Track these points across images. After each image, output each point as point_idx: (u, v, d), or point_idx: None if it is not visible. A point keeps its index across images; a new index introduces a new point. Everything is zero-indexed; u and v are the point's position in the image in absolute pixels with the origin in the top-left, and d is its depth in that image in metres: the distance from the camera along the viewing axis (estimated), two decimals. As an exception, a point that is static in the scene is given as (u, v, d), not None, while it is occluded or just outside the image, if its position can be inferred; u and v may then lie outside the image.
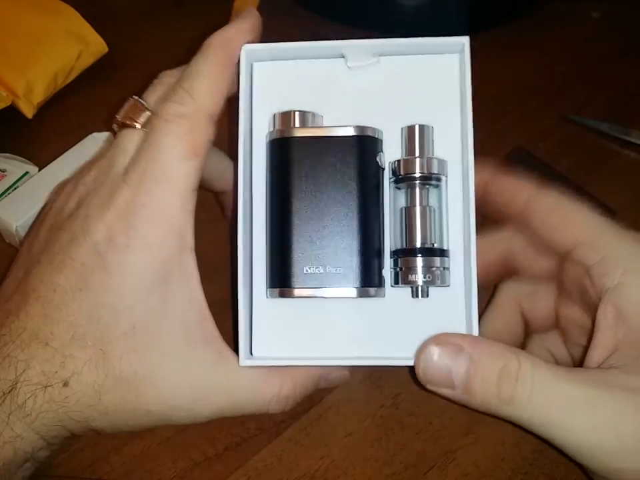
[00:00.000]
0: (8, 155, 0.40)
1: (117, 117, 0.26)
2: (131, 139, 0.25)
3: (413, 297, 0.26)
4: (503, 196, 0.28)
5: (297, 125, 0.26)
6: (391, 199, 0.27)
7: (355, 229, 0.25)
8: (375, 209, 0.26)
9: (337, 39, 0.26)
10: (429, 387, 0.23)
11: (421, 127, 0.26)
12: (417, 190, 0.26)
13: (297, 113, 0.26)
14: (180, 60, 0.51)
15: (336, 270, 0.25)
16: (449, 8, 0.56)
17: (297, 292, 0.25)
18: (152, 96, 0.26)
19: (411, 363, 0.23)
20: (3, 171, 0.38)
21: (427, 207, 0.26)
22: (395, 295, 0.26)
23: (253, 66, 0.27)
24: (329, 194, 0.25)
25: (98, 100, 0.47)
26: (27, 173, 0.38)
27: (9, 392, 0.22)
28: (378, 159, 0.26)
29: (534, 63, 0.54)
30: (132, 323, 0.23)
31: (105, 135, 0.39)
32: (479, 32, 0.56)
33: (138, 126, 0.25)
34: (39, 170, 0.38)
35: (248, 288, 0.26)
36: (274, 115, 0.26)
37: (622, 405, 0.21)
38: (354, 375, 0.30)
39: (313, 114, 0.26)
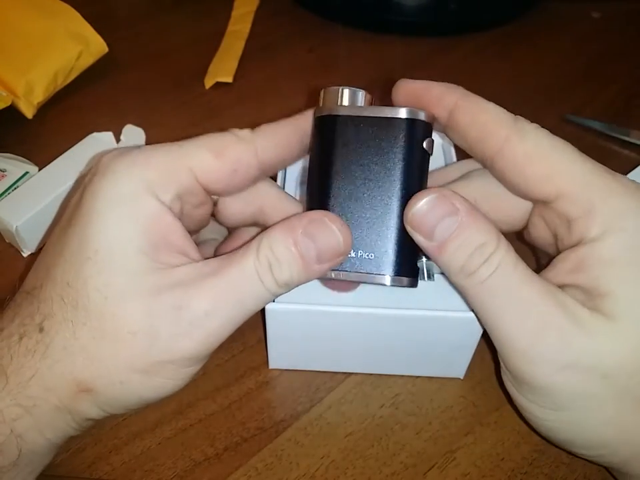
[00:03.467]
0: (8, 154, 0.40)
1: None
2: None
3: (420, 279, 0.27)
4: (472, 128, 0.24)
5: (346, 102, 0.25)
6: None
7: (395, 215, 0.24)
8: None
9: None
10: (408, 229, 0.23)
11: None
12: None
13: (345, 90, 0.25)
14: (180, 60, 0.51)
15: (370, 255, 0.24)
16: (449, 8, 0.56)
17: (327, 274, 0.24)
18: None
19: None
20: (3, 170, 0.38)
21: None
22: None
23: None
24: (371, 177, 0.24)
25: (98, 100, 0.48)
26: (27, 172, 0.38)
27: None
28: (425, 145, 0.24)
29: (534, 62, 0.54)
30: (95, 247, 0.22)
31: (105, 134, 0.39)
32: (478, 32, 0.56)
33: None
34: (39, 170, 0.38)
35: None
36: (322, 90, 0.25)
37: (549, 321, 0.22)
38: (354, 375, 0.30)
39: (363, 92, 0.25)
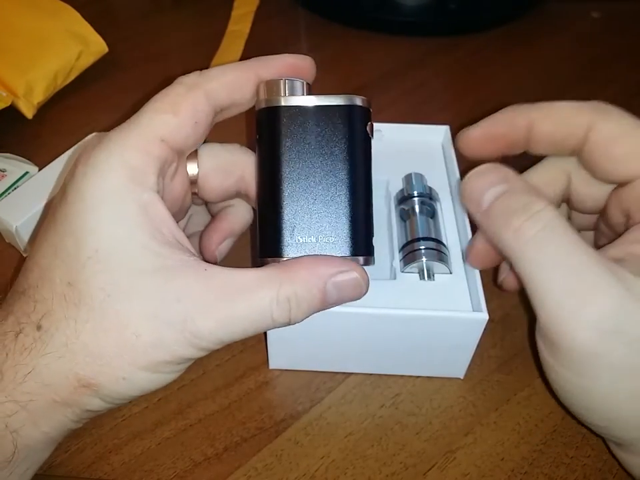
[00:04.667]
0: (8, 155, 0.40)
1: None
2: None
3: (420, 279, 0.29)
4: (557, 131, 0.26)
5: (286, 94, 0.25)
6: (398, 216, 0.32)
7: (346, 198, 0.25)
8: (364, 177, 0.25)
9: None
10: (462, 200, 0.25)
11: (416, 174, 0.33)
12: (417, 206, 0.32)
13: (285, 82, 0.26)
14: (180, 60, 0.51)
15: (328, 239, 0.25)
16: (449, 8, 0.56)
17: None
18: None
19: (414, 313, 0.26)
20: (3, 170, 0.38)
21: (426, 216, 0.31)
22: (405, 279, 0.29)
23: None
24: (319, 163, 0.25)
25: (98, 100, 0.48)
26: (27, 172, 0.38)
27: None
28: (367, 129, 0.25)
29: (534, 63, 0.54)
30: (94, 247, 0.22)
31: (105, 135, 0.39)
32: (479, 32, 0.56)
33: None
34: (39, 170, 0.38)
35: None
36: (260, 84, 0.26)
37: (602, 286, 0.21)
38: (353, 375, 0.30)
39: (302, 82, 0.26)
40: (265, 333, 0.29)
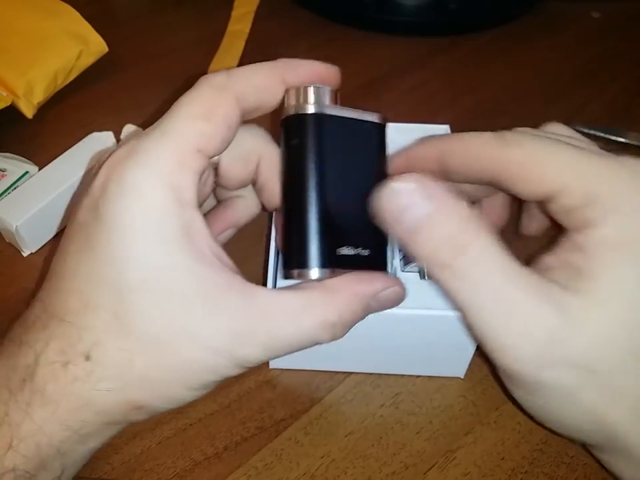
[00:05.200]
0: (8, 154, 0.40)
1: None
2: None
3: (420, 278, 0.29)
4: (467, 164, 0.25)
5: (316, 101, 0.25)
6: None
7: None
8: None
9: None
10: (378, 215, 0.23)
11: None
12: None
13: (316, 89, 0.25)
14: (180, 60, 0.51)
15: (367, 252, 0.24)
16: (449, 8, 0.57)
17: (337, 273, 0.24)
18: None
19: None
20: (3, 170, 0.38)
21: None
22: (405, 279, 0.28)
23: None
24: (348, 177, 0.24)
25: (98, 100, 0.48)
26: (26, 172, 0.38)
27: (28, 378, 0.21)
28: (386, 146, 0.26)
29: (534, 63, 0.54)
30: (139, 276, 0.21)
31: (104, 134, 0.39)
32: (479, 32, 0.56)
33: None
34: (39, 170, 0.38)
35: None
36: (286, 90, 0.25)
37: (535, 320, 0.21)
38: (354, 375, 0.30)
39: (333, 90, 0.25)
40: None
